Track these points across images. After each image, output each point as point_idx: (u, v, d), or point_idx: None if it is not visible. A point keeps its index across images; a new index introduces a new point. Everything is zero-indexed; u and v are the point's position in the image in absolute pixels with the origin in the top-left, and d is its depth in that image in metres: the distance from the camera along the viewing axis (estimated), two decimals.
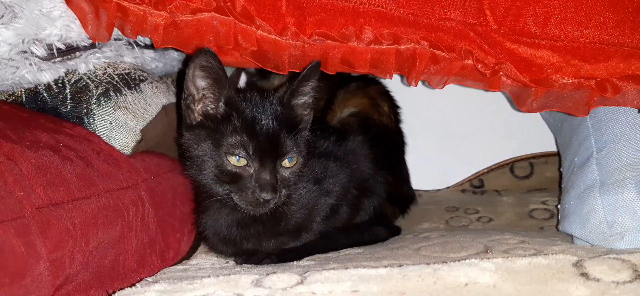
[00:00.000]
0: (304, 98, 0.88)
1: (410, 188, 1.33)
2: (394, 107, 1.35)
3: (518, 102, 0.93)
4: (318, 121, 1.09)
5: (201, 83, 0.83)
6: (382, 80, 1.38)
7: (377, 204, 1.07)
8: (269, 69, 0.93)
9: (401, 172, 1.30)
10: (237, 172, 0.82)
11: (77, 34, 0.89)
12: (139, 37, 0.99)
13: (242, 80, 1.57)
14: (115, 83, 0.94)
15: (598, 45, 0.85)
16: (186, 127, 0.86)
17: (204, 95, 0.84)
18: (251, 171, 0.82)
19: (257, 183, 0.81)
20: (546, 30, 0.85)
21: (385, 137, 1.26)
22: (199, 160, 0.84)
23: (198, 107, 0.84)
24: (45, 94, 0.92)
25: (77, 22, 0.88)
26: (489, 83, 0.91)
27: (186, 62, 1.23)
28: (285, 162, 0.84)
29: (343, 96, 1.31)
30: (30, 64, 0.86)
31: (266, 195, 0.80)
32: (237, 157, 0.81)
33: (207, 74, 0.82)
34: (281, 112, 0.86)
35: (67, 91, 0.92)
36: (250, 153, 0.80)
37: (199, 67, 0.81)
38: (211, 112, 0.84)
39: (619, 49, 0.85)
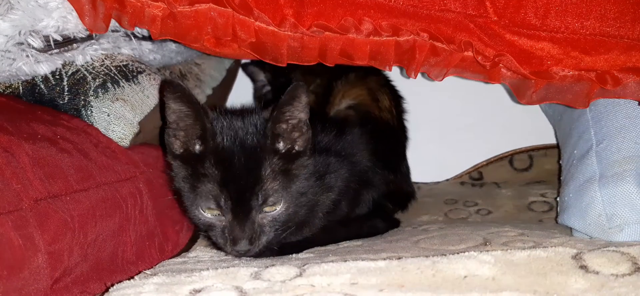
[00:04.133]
0: (292, 122, 0.80)
1: (410, 185, 1.31)
2: (395, 99, 1.31)
3: (518, 95, 0.92)
4: (316, 114, 1.07)
5: (173, 117, 0.79)
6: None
7: (376, 196, 1.07)
8: (268, 61, 0.92)
9: (401, 169, 1.28)
10: (210, 223, 0.80)
11: (74, 25, 0.88)
12: (137, 28, 0.98)
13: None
14: (112, 75, 0.94)
15: (598, 37, 0.84)
16: (170, 154, 0.83)
17: (179, 130, 0.80)
18: (224, 223, 0.79)
19: (230, 235, 0.78)
20: (546, 22, 0.84)
21: (385, 133, 1.23)
22: (179, 194, 0.82)
23: (178, 141, 0.81)
24: (42, 86, 0.91)
25: (74, 13, 0.87)
26: (488, 76, 0.90)
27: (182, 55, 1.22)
28: (268, 209, 0.79)
29: (341, 87, 1.28)
30: (27, 56, 0.86)
31: (240, 249, 0.78)
32: (209, 210, 0.78)
33: (176, 113, 0.78)
34: (263, 145, 0.79)
35: (65, 83, 0.91)
36: (222, 205, 0.77)
37: (171, 101, 0.76)
38: (190, 148, 0.80)
39: (619, 41, 0.84)
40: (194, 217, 0.82)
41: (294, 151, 0.82)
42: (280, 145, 0.81)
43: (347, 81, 1.28)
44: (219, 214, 0.79)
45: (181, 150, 0.81)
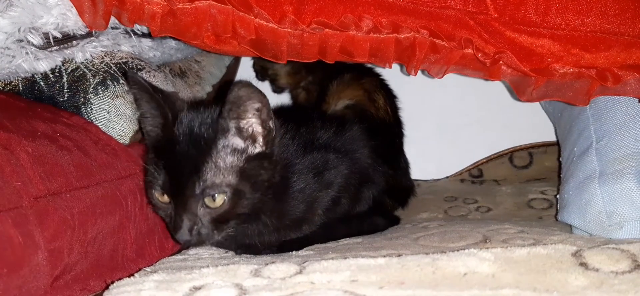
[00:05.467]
0: (246, 119, 0.77)
1: (410, 180, 1.32)
2: (390, 98, 1.34)
3: (518, 92, 0.92)
4: (315, 110, 1.07)
5: (140, 107, 0.82)
6: (379, 69, 1.38)
7: (376, 193, 1.06)
8: (268, 58, 0.92)
9: (399, 164, 1.30)
10: (160, 208, 0.80)
11: (73, 22, 0.88)
12: (137, 25, 0.98)
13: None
14: (112, 72, 0.94)
15: (599, 34, 0.84)
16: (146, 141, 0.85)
17: (145, 119, 0.83)
18: (170, 211, 0.79)
19: (172, 224, 0.78)
20: (547, 19, 0.84)
21: (383, 130, 1.26)
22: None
23: (147, 128, 0.83)
24: (42, 83, 0.91)
25: (74, 10, 0.87)
26: (489, 73, 0.90)
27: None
28: (209, 202, 0.76)
29: (337, 87, 1.29)
30: (27, 53, 0.86)
31: (180, 238, 0.77)
32: (158, 195, 0.78)
33: (140, 103, 0.81)
34: (212, 138, 0.77)
35: (64, 80, 0.91)
36: (166, 191, 0.77)
37: (135, 93, 0.80)
38: (153, 135, 0.83)
39: (619, 38, 0.84)
40: (150, 199, 0.82)
41: (255, 150, 0.80)
42: (235, 142, 0.78)
43: (342, 81, 1.30)
44: (167, 202, 0.79)
45: (149, 136, 0.83)
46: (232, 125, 0.78)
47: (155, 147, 0.82)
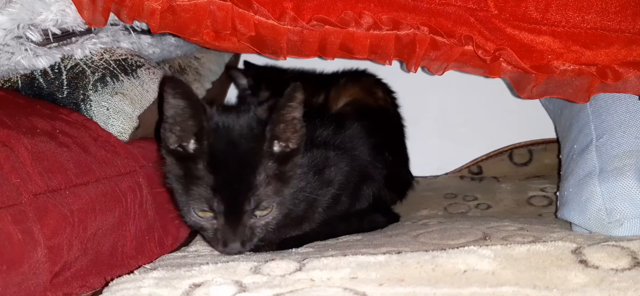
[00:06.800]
0: (287, 121, 0.78)
1: (409, 172, 1.33)
2: (389, 93, 1.36)
3: (518, 89, 0.92)
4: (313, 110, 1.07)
5: (171, 112, 0.76)
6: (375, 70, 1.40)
7: (376, 190, 1.06)
8: (267, 55, 0.92)
9: (400, 153, 1.31)
10: (202, 224, 0.79)
11: (72, 18, 0.88)
12: (136, 22, 0.98)
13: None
14: (112, 69, 0.93)
15: (599, 31, 0.84)
16: (165, 149, 0.81)
17: (175, 125, 0.78)
18: (216, 225, 0.78)
19: (222, 238, 0.78)
20: (547, 16, 0.84)
21: (383, 118, 1.29)
22: (172, 191, 0.81)
23: (173, 136, 0.79)
24: (41, 80, 0.91)
25: (73, 6, 0.87)
26: (489, 70, 0.90)
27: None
28: (259, 213, 0.78)
29: (335, 92, 1.33)
30: (26, 50, 0.85)
31: (231, 251, 0.78)
32: (201, 213, 0.78)
33: (174, 108, 0.76)
34: (259, 148, 0.77)
35: (64, 77, 0.91)
36: (214, 209, 0.76)
37: (170, 96, 0.75)
38: (184, 144, 0.79)
39: (620, 35, 0.84)
40: (186, 217, 0.81)
41: (288, 150, 0.80)
42: (276, 147, 0.79)
43: (339, 86, 1.35)
44: (211, 217, 0.78)
45: (175, 146, 0.79)
46: (276, 131, 0.78)
47: (187, 157, 0.78)
